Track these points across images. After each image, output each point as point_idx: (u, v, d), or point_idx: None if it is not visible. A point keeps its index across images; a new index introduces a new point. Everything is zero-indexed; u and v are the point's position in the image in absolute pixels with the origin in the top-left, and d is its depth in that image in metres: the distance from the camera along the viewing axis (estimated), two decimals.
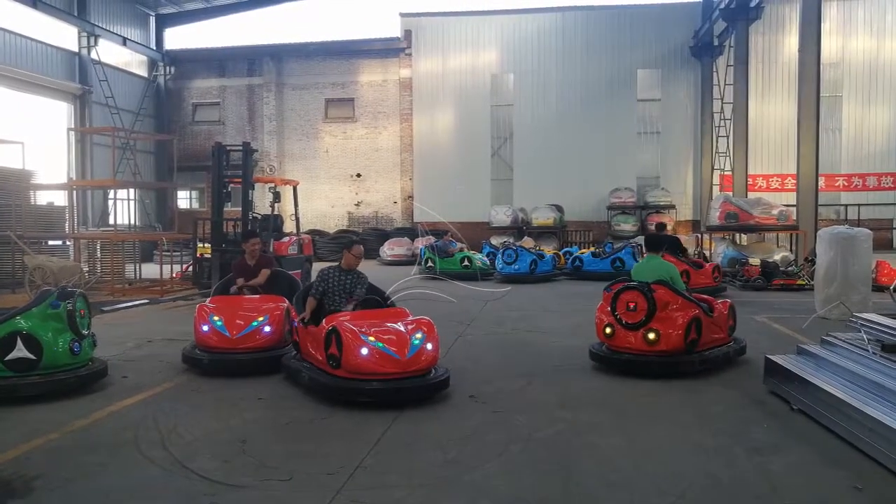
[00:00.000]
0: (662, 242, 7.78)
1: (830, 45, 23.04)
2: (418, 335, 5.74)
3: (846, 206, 23.24)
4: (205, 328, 6.78)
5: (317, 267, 16.92)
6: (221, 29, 29.14)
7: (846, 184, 24.82)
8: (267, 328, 6.84)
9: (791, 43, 23.28)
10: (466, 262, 16.81)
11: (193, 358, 6.81)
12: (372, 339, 5.58)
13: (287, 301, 7.19)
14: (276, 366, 6.63)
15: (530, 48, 26.48)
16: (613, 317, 6.59)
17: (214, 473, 4.18)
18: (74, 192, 17.19)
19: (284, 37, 28.36)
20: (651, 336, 6.37)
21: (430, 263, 16.83)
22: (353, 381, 5.55)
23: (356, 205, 27.71)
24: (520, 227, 23.98)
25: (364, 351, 5.51)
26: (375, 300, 6.61)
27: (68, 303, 6.04)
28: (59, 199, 17.72)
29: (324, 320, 6.01)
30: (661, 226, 14.69)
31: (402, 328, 5.82)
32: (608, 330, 6.65)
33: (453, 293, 12.68)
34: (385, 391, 5.51)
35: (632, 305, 6.46)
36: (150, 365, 7.20)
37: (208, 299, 7.48)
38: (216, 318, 6.80)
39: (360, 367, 5.51)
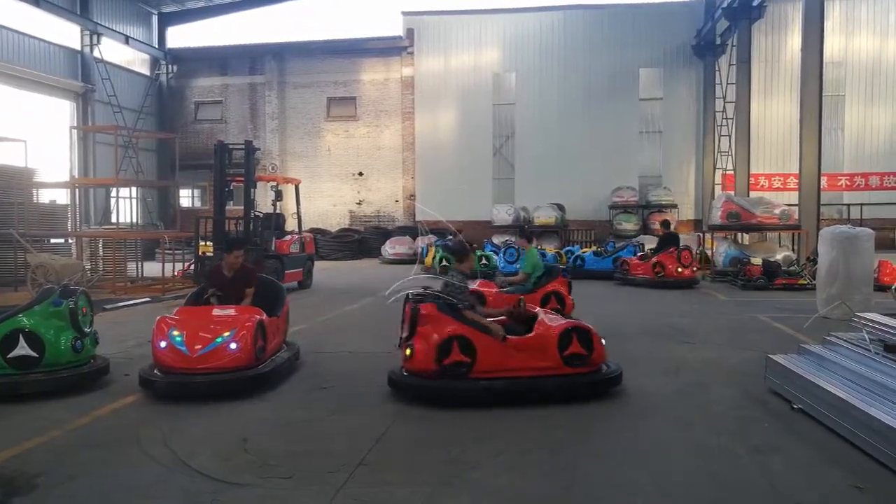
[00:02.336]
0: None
1: (833, 45, 23.01)
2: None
3: (848, 205, 23.19)
4: (162, 344, 5.89)
5: (319, 265, 17.02)
6: (224, 27, 29.19)
7: (848, 183, 24.79)
8: (233, 345, 5.89)
9: (794, 42, 23.27)
10: (485, 261, 16.83)
11: (147, 380, 5.86)
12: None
13: (264, 314, 6.43)
14: (241, 389, 5.81)
15: (532, 47, 26.46)
16: None
17: (216, 471, 4.19)
18: (77, 191, 17.24)
19: (286, 35, 28.38)
20: None
21: (444, 263, 16.65)
22: (605, 373, 5.94)
23: (358, 203, 27.73)
24: (521, 226, 23.95)
25: (604, 342, 5.92)
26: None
27: (70, 301, 6.07)
28: (62, 197, 17.75)
29: (539, 324, 5.96)
30: (667, 223, 15.32)
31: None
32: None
33: None
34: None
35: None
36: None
37: (174, 310, 6.59)
38: (176, 332, 5.93)
39: (603, 358, 5.95)
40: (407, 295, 6.03)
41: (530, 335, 5.85)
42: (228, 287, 6.86)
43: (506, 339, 5.73)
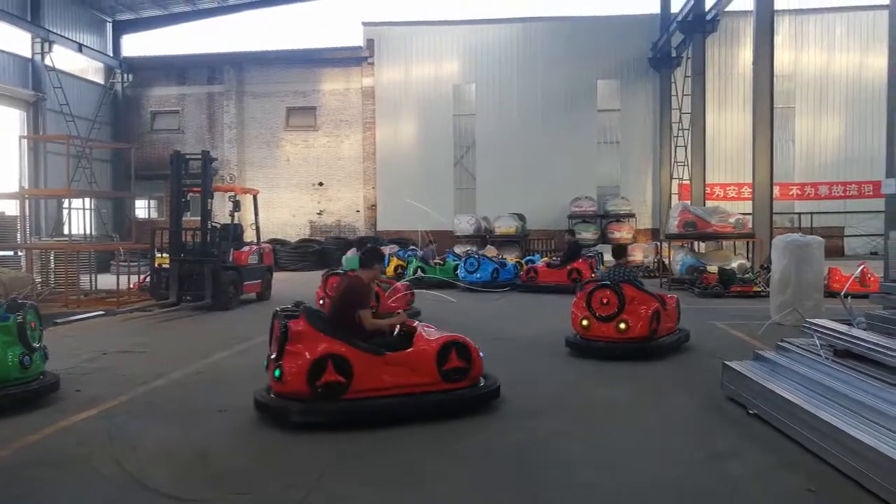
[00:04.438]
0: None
1: (783, 58, 23.63)
2: None
3: (799, 214, 23.80)
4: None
5: (279, 277, 16.79)
6: (181, 36, 28.85)
7: (799, 193, 25.46)
8: None
9: (746, 55, 23.81)
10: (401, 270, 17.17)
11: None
12: None
13: None
14: None
15: (492, 59, 26.66)
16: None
17: (171, 489, 4.09)
18: (27, 202, 16.77)
19: (245, 45, 28.24)
20: None
21: (419, 273, 16.55)
22: (684, 331, 8.58)
23: (318, 213, 27.51)
24: (483, 236, 24.05)
25: None
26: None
27: (18, 315, 5.89)
28: (11, 208, 17.25)
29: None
30: (573, 232, 18.67)
31: None
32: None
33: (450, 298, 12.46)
34: None
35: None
36: (104, 378, 7.02)
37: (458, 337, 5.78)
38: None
39: None
40: (593, 283, 7.92)
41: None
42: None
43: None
